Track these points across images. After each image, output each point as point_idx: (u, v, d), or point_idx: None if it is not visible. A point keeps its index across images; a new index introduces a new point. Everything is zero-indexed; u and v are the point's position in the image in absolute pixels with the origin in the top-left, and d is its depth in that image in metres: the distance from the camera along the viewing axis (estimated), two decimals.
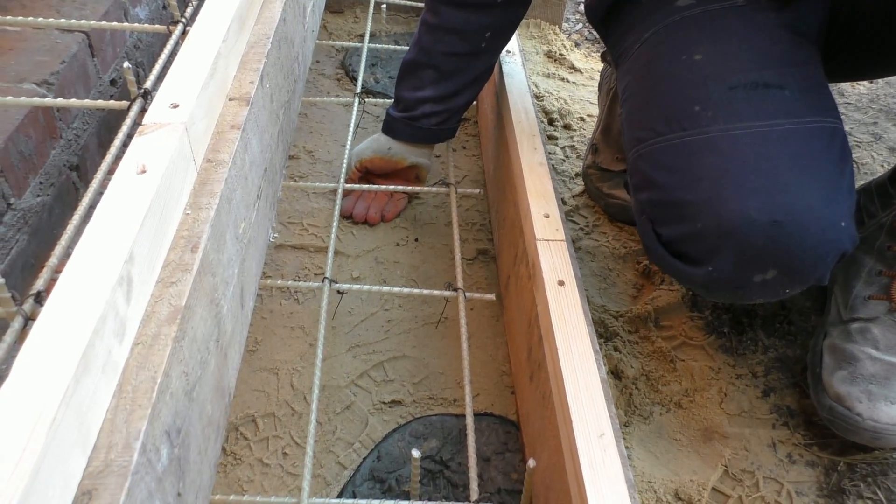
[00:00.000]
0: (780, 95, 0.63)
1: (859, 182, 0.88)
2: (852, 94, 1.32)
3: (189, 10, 0.77)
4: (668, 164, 0.66)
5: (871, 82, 1.34)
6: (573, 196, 1.07)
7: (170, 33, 0.73)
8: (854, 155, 1.16)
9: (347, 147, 0.97)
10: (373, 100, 1.13)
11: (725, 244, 0.61)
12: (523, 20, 1.46)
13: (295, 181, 1.03)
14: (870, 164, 1.14)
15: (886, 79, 1.35)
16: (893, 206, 0.78)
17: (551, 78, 1.34)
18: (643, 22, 0.74)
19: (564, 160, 1.13)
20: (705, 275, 0.64)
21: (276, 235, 0.95)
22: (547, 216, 0.71)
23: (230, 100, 0.66)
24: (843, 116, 1.25)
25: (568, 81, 1.34)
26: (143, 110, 0.60)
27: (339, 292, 0.83)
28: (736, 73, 0.65)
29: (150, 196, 0.46)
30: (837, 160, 0.63)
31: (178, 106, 0.55)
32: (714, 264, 0.63)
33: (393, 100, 0.95)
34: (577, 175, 1.10)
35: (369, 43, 1.20)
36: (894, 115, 1.26)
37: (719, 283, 0.64)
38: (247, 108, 0.64)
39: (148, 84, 0.64)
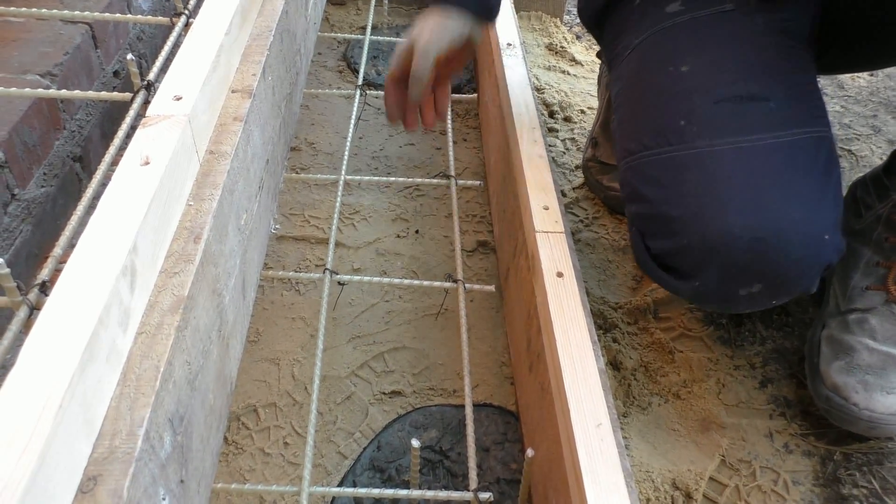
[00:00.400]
0: (764, 108, 0.64)
1: (859, 174, 0.88)
2: (852, 87, 1.32)
3: (192, 1, 0.77)
4: (656, 179, 0.67)
5: (871, 75, 1.34)
6: (573, 188, 1.07)
7: (173, 25, 0.73)
8: (853, 147, 1.17)
9: (349, 139, 0.98)
10: (374, 92, 1.13)
11: (710, 260, 0.62)
12: (524, 12, 1.47)
13: (297, 173, 1.04)
14: (869, 156, 1.14)
15: (886, 72, 1.35)
16: (890, 198, 0.79)
17: (552, 70, 1.34)
18: (634, 27, 0.74)
19: (565, 152, 1.14)
20: (692, 289, 0.66)
21: (277, 227, 0.96)
22: (546, 208, 0.71)
23: (233, 92, 0.66)
24: (842, 109, 1.25)
25: (569, 74, 1.34)
26: (146, 102, 0.61)
27: (339, 283, 0.84)
28: (721, 86, 0.65)
29: (154, 187, 0.47)
30: (822, 172, 0.63)
31: (181, 98, 0.55)
32: (700, 279, 0.64)
33: None
34: (577, 167, 1.11)
35: (371, 35, 1.20)
36: (894, 107, 1.26)
37: (707, 296, 0.66)
38: (249, 101, 0.65)
39: (151, 76, 0.64)
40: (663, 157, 0.66)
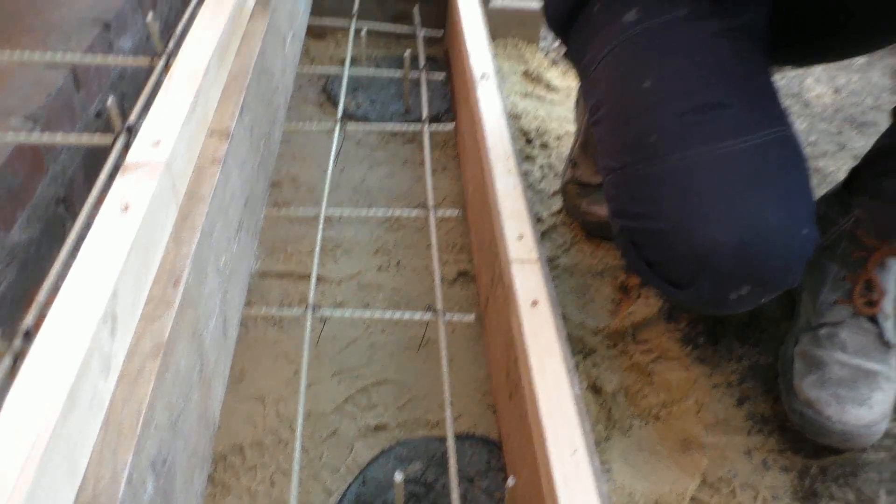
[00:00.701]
0: (727, 115, 0.66)
1: (825, 190, 0.90)
2: (818, 105, 1.36)
3: (171, 43, 0.79)
4: (636, 195, 0.69)
5: (836, 92, 1.38)
6: (551, 214, 1.09)
7: (152, 67, 0.75)
8: (819, 164, 1.19)
9: (328, 173, 0.99)
10: (354, 125, 1.15)
11: (700, 269, 0.64)
12: (501, 39, 1.49)
13: (278, 208, 1.05)
14: (834, 173, 1.17)
15: (850, 89, 1.39)
16: (852, 213, 0.81)
17: (529, 97, 1.37)
18: (596, 39, 0.76)
19: (542, 179, 1.16)
20: (688, 295, 0.68)
21: (258, 265, 0.97)
22: (521, 237, 0.73)
23: (211, 134, 0.68)
24: (808, 126, 1.28)
25: (545, 100, 1.36)
26: (126, 146, 0.62)
27: (321, 319, 0.85)
28: (683, 98, 0.67)
29: (133, 234, 0.48)
30: (791, 168, 0.66)
31: (159, 143, 0.57)
32: (694, 287, 0.66)
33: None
34: (554, 193, 1.13)
35: (350, 68, 1.22)
36: (858, 124, 1.30)
37: (701, 302, 0.68)
38: (227, 143, 0.66)
39: (132, 118, 0.65)
40: (639, 173, 0.68)
